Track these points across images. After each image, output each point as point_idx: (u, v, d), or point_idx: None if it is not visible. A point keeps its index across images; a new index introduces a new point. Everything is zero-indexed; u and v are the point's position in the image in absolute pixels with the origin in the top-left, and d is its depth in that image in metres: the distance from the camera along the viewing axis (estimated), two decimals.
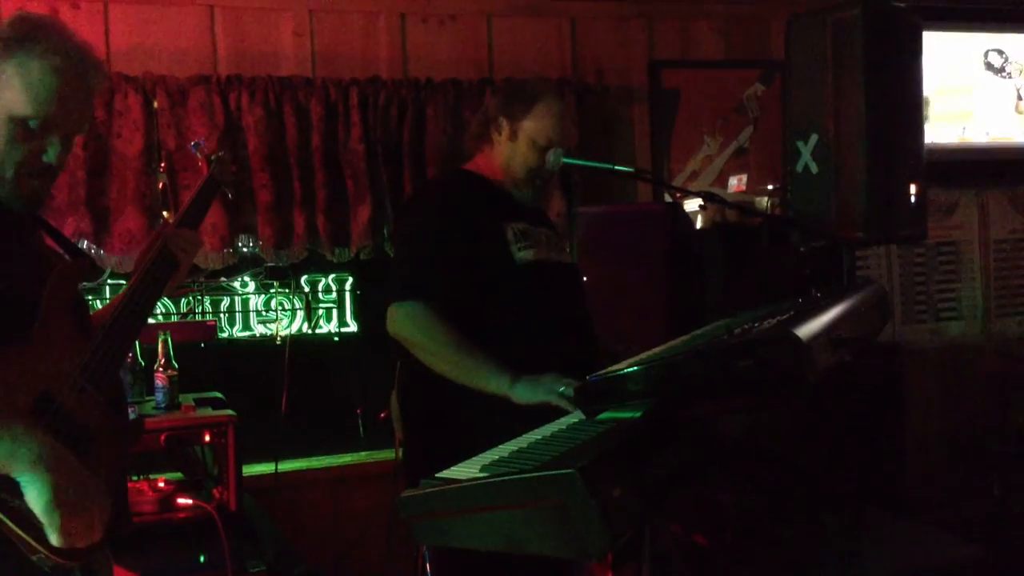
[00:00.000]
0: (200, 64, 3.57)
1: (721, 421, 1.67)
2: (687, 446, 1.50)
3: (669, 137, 4.30)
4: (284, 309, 3.81)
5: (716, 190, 4.24)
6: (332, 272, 3.88)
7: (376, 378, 3.35)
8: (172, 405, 3.07)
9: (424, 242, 2.45)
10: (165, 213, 3.44)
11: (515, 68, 3.92)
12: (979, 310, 4.88)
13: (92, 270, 3.31)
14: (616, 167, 2.82)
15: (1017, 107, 4.73)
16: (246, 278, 3.77)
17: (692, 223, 3.88)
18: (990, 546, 3.28)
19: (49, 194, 1.74)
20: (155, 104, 3.44)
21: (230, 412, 3.01)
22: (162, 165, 3.45)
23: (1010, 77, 4.70)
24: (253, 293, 3.79)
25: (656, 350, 1.83)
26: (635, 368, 1.56)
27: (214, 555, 2.73)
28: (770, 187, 4.26)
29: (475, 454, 1.55)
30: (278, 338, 3.75)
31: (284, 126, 3.57)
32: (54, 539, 1.40)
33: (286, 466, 3.70)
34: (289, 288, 3.81)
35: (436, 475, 1.43)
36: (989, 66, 4.66)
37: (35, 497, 1.39)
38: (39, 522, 1.40)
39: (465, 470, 1.44)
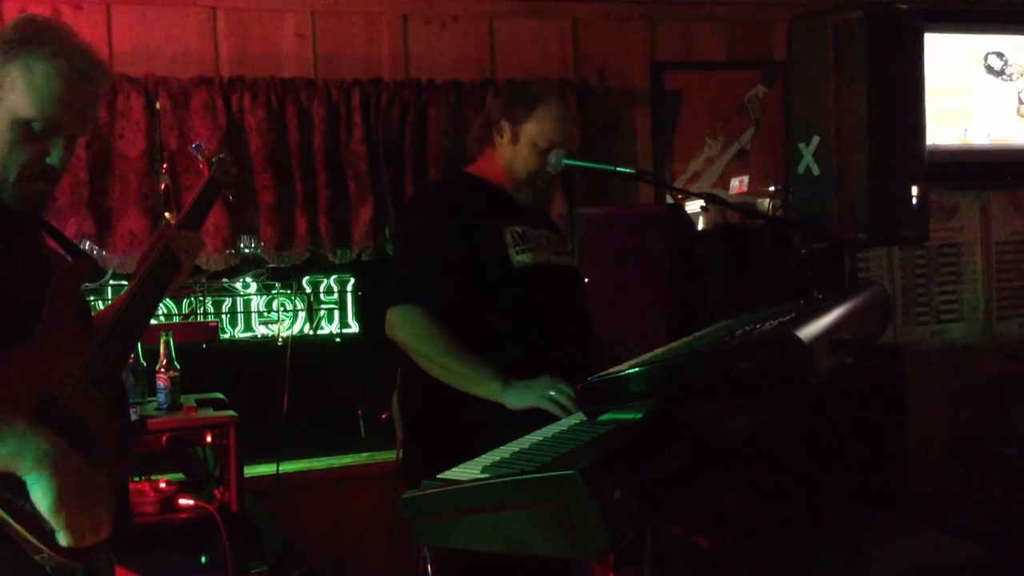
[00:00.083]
0: (202, 65, 3.57)
1: (726, 424, 1.67)
2: (688, 447, 1.50)
3: (671, 138, 4.31)
4: (286, 310, 3.81)
5: (718, 191, 4.24)
6: (334, 273, 3.88)
7: (377, 379, 3.35)
8: (174, 406, 3.07)
9: (422, 245, 2.46)
10: (167, 214, 3.44)
11: (517, 69, 3.92)
12: (980, 312, 4.88)
13: (94, 271, 3.31)
14: (618, 168, 2.82)
15: (1019, 111, 4.73)
16: (248, 279, 3.77)
17: (694, 224, 3.88)
18: (991, 547, 3.28)
19: (52, 196, 1.74)
20: (157, 105, 3.44)
21: (232, 413, 3.01)
22: (164, 166, 3.45)
23: (1011, 80, 4.70)
24: (255, 294, 3.79)
25: (657, 351, 1.83)
26: (636, 369, 1.56)
27: (215, 556, 2.73)
28: (772, 189, 4.26)
29: (476, 455, 1.55)
30: (280, 339, 3.75)
31: (286, 127, 3.57)
32: (62, 538, 1.41)
33: (287, 467, 3.70)
34: (291, 289, 3.81)
35: (437, 476, 1.43)
36: (989, 69, 4.66)
37: (41, 496, 1.39)
38: (44, 522, 1.41)
39: (466, 471, 1.44)
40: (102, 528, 1.45)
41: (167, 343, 3.10)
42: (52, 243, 1.82)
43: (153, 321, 3.07)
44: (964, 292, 4.86)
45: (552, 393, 2.22)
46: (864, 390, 3.48)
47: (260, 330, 3.79)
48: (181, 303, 3.65)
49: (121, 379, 1.76)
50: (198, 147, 2.19)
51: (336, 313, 3.90)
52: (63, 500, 1.39)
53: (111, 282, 3.50)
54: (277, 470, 3.61)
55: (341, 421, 3.95)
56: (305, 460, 3.87)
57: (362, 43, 3.82)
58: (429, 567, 2.75)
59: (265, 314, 3.80)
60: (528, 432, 1.74)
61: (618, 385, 1.57)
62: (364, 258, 3.72)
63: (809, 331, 1.38)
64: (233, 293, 3.77)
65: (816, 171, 3.39)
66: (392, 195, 3.69)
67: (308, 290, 3.84)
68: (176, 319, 3.62)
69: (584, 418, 1.69)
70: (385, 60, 3.83)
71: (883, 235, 3.46)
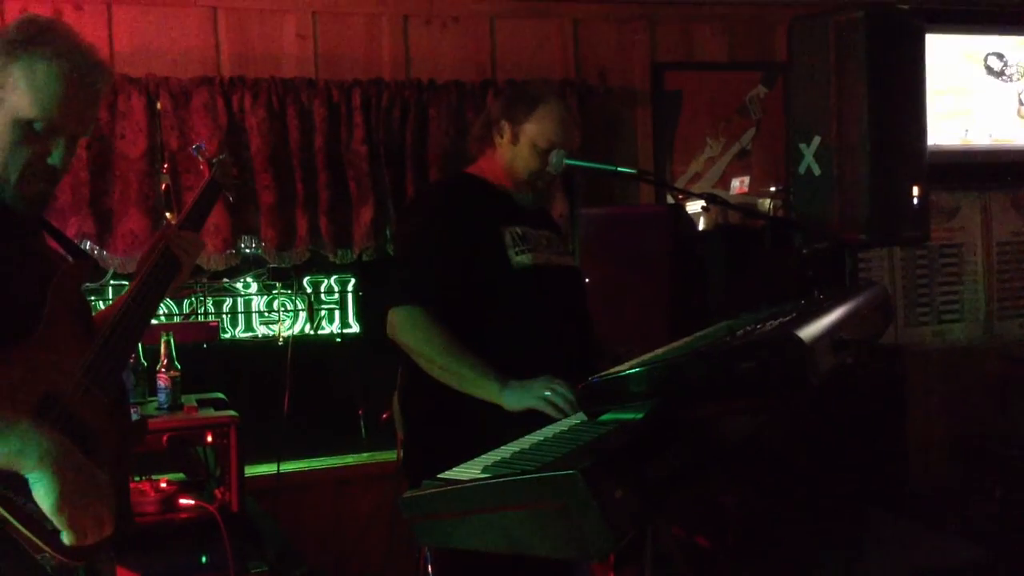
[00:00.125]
0: (203, 65, 3.57)
1: (727, 424, 1.67)
2: (689, 447, 1.50)
3: (672, 139, 4.31)
4: (286, 310, 3.81)
5: (718, 192, 4.24)
6: (334, 273, 3.88)
7: (378, 379, 3.36)
8: (174, 406, 3.07)
9: (423, 246, 2.46)
10: (168, 215, 3.44)
11: (518, 70, 3.92)
12: (981, 312, 4.88)
13: (95, 271, 3.31)
14: (618, 169, 2.83)
15: (1019, 112, 4.73)
16: (248, 279, 3.77)
17: (694, 225, 3.88)
18: (991, 547, 3.28)
19: (53, 196, 1.75)
20: (158, 105, 3.44)
21: (232, 413, 3.01)
22: (165, 166, 3.45)
23: (1010, 80, 4.70)
24: (255, 294, 3.80)
25: (658, 351, 1.83)
26: (637, 369, 1.56)
27: (216, 556, 2.73)
28: (772, 189, 4.26)
29: (476, 455, 1.55)
30: (280, 339, 3.75)
31: (287, 127, 3.57)
32: (65, 536, 1.41)
33: (288, 467, 3.71)
34: (291, 289, 3.81)
35: (438, 476, 1.43)
36: (989, 69, 4.66)
37: (44, 494, 1.39)
38: (46, 521, 1.41)
39: (467, 471, 1.44)
40: (104, 526, 1.45)
41: (168, 343, 3.10)
42: (53, 243, 1.82)
43: (154, 321, 3.08)
44: (965, 292, 4.86)
45: (547, 394, 2.22)
46: (865, 390, 3.49)
47: (261, 330, 3.79)
48: (182, 303, 3.65)
49: (122, 379, 1.77)
50: (198, 148, 2.19)
51: (337, 313, 3.90)
52: (66, 498, 1.39)
53: (112, 282, 3.50)
54: (278, 470, 3.61)
55: (342, 421, 3.96)
56: (306, 460, 3.87)
57: (363, 43, 3.82)
58: (429, 567, 2.75)
59: (266, 314, 3.80)
60: (529, 432, 1.74)
61: (619, 385, 1.57)
62: (365, 258, 3.72)
63: (810, 331, 1.38)
64: (234, 293, 3.77)
65: (817, 171, 3.39)
66: (393, 195, 3.69)
67: (309, 290, 3.85)
68: (177, 319, 3.63)
69: (585, 418, 1.69)
70: (386, 60, 3.83)
71: (884, 235, 3.46)
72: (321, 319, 3.88)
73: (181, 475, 3.11)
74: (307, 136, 3.59)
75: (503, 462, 1.46)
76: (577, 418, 1.81)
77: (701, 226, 3.93)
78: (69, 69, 1.62)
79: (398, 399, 2.82)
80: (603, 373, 1.64)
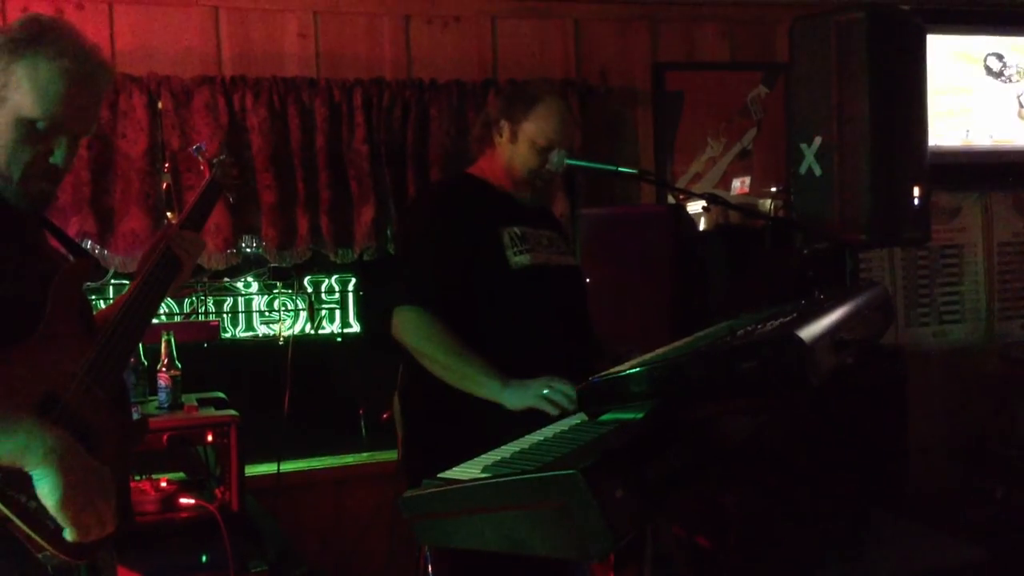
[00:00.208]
0: (204, 65, 3.58)
1: (727, 424, 1.67)
2: (689, 447, 1.50)
3: (673, 139, 4.30)
4: (287, 310, 3.81)
5: (719, 192, 4.24)
6: (335, 273, 3.89)
7: (378, 379, 3.35)
8: (175, 405, 3.07)
9: (425, 247, 2.47)
10: (169, 214, 3.44)
11: (519, 70, 3.92)
12: (982, 313, 4.88)
13: (96, 270, 3.31)
14: (619, 168, 2.83)
15: (1019, 114, 4.73)
16: (249, 278, 3.78)
17: (695, 225, 3.88)
18: (991, 547, 3.28)
19: (55, 195, 1.75)
20: (159, 104, 3.44)
21: (233, 412, 3.01)
22: (166, 165, 3.46)
23: (1009, 81, 4.69)
24: (256, 293, 3.80)
25: (659, 351, 1.83)
26: (638, 369, 1.56)
27: (216, 555, 2.74)
28: (773, 189, 4.26)
29: (476, 454, 1.55)
30: (281, 338, 3.75)
31: (288, 127, 3.57)
32: (68, 533, 1.41)
33: (288, 466, 3.70)
34: (292, 289, 3.81)
35: (438, 475, 1.43)
36: (989, 70, 4.66)
37: (48, 491, 1.38)
38: (47, 520, 1.41)
39: (467, 470, 1.44)
40: (107, 524, 1.46)
41: (168, 342, 3.10)
42: (54, 242, 1.82)
43: (154, 320, 3.08)
44: (966, 293, 4.85)
45: (546, 392, 2.23)
46: (865, 391, 3.48)
47: (261, 329, 3.79)
48: (182, 302, 3.65)
49: (123, 378, 1.77)
50: (199, 148, 2.20)
51: (337, 313, 3.91)
52: (70, 495, 1.39)
53: (112, 281, 3.50)
54: (278, 469, 3.61)
55: (342, 421, 3.96)
56: (306, 460, 3.87)
57: (364, 43, 3.82)
58: (429, 567, 2.75)
59: (266, 313, 3.80)
60: (529, 431, 1.75)
61: (619, 385, 1.57)
62: (366, 258, 3.72)
63: (810, 331, 1.38)
64: (234, 292, 3.77)
65: (818, 172, 3.39)
66: (394, 195, 3.69)
67: (309, 290, 3.85)
68: (177, 318, 3.63)
69: (585, 418, 1.69)
70: (387, 60, 3.83)
71: (885, 236, 3.46)
72: (322, 319, 3.88)
73: (181, 474, 3.11)
74: (308, 135, 3.59)
75: (503, 462, 1.46)
76: (577, 418, 1.81)
77: (702, 226, 3.93)
78: (72, 68, 1.62)
79: (398, 399, 2.83)
80: (603, 373, 1.64)
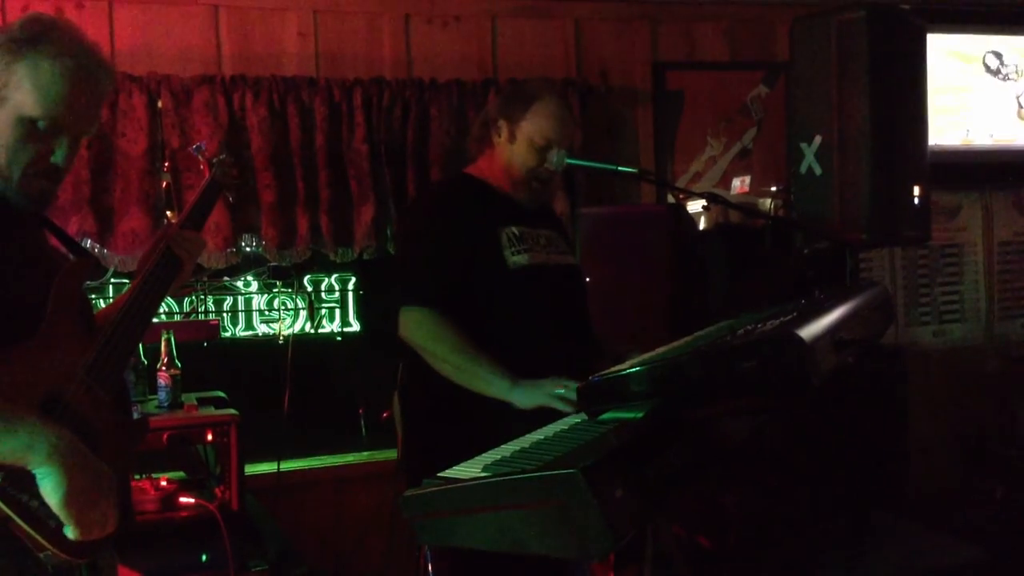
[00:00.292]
0: (204, 64, 3.57)
1: (727, 424, 1.67)
2: (689, 447, 1.50)
3: (673, 138, 4.30)
4: (287, 309, 3.81)
5: (719, 191, 4.24)
6: (335, 272, 3.89)
7: (378, 378, 3.36)
8: (175, 404, 3.07)
9: (428, 247, 2.48)
10: (169, 213, 3.44)
11: (519, 69, 3.92)
12: (982, 312, 4.88)
13: (96, 270, 3.31)
14: (619, 168, 2.82)
15: (1019, 113, 4.73)
16: (249, 278, 3.77)
17: (695, 224, 3.88)
18: (991, 547, 3.28)
19: (55, 194, 1.75)
20: (159, 104, 3.44)
21: (232, 411, 3.01)
22: (166, 165, 3.46)
23: (1008, 80, 4.69)
24: (256, 293, 3.80)
25: (659, 351, 1.84)
26: (638, 369, 1.56)
27: (216, 554, 2.74)
28: (773, 189, 4.26)
29: (477, 453, 1.55)
30: (281, 338, 3.75)
31: (288, 126, 3.57)
32: (70, 532, 1.41)
33: (288, 465, 3.71)
34: (292, 288, 3.81)
35: (438, 475, 1.43)
36: (987, 69, 4.66)
37: (52, 489, 1.39)
38: (48, 519, 1.41)
39: (467, 470, 1.44)
40: (109, 523, 1.46)
41: (168, 341, 3.10)
42: (55, 241, 1.82)
43: (154, 319, 3.08)
44: (966, 293, 4.86)
45: (559, 391, 2.23)
46: (865, 390, 3.48)
47: (261, 329, 3.79)
48: (182, 301, 3.65)
49: (123, 378, 1.77)
50: (199, 148, 2.19)
51: (337, 312, 3.91)
52: (73, 494, 1.39)
53: (112, 280, 3.50)
54: (278, 469, 3.61)
55: (342, 420, 3.96)
56: (306, 459, 3.87)
57: (364, 42, 3.82)
58: (430, 566, 2.75)
59: (266, 313, 3.80)
60: (529, 431, 1.75)
61: (619, 384, 1.57)
62: (365, 257, 3.72)
63: (811, 331, 1.38)
64: (234, 292, 3.77)
65: (818, 171, 3.39)
66: (394, 194, 3.69)
67: (309, 289, 3.85)
68: (177, 317, 3.63)
69: (586, 417, 1.69)
70: (387, 59, 3.83)
71: (885, 235, 3.46)
72: (321, 318, 3.88)
73: (181, 473, 3.11)
74: (308, 135, 3.59)
75: (503, 461, 1.46)
76: (578, 417, 1.81)
77: (702, 226, 3.93)
78: (73, 68, 1.62)
79: (398, 398, 2.83)
80: (603, 372, 1.64)
